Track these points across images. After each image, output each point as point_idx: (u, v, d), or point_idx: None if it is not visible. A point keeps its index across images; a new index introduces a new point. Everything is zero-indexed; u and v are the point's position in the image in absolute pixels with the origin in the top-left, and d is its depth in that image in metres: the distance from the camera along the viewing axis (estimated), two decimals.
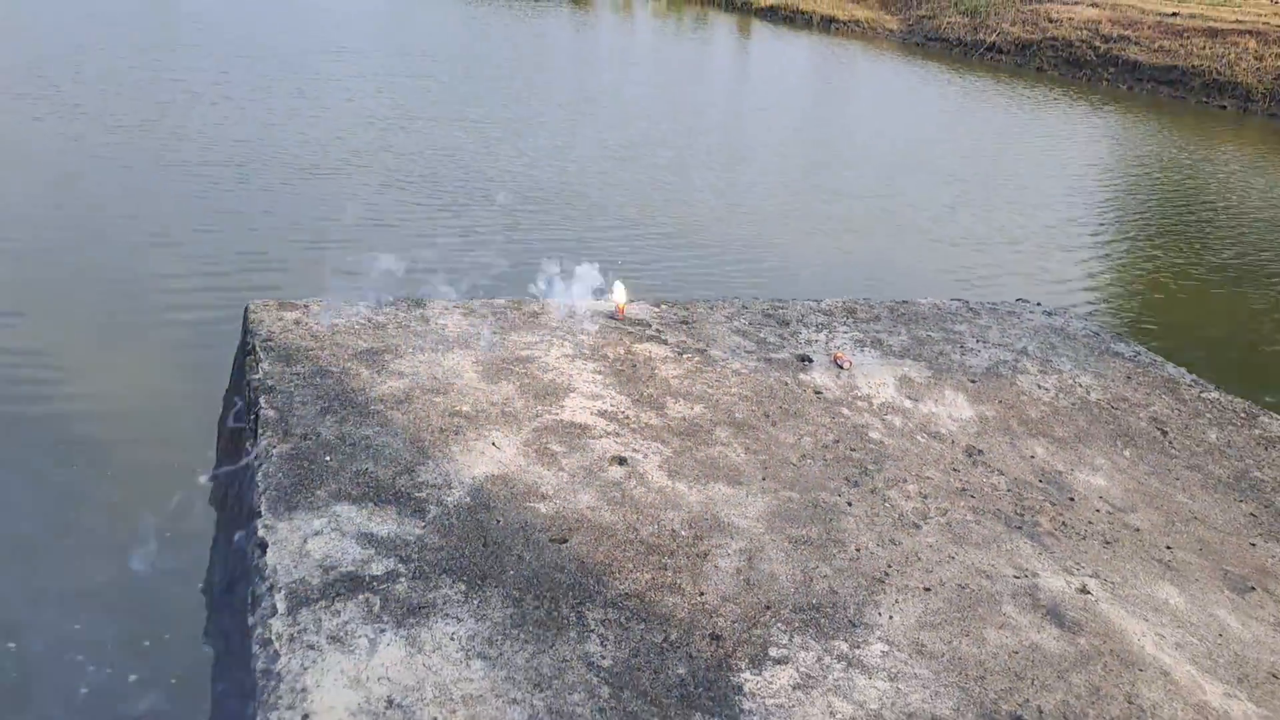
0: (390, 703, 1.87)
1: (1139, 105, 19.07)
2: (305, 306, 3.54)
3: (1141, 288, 8.53)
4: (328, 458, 2.63)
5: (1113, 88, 20.67)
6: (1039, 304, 4.96)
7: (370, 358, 3.31)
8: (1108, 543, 2.84)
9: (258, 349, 3.15)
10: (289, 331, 3.31)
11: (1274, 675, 2.34)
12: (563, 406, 3.17)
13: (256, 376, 2.99)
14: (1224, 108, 19.26)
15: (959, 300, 4.83)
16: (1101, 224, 10.40)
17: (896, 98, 17.63)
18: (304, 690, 1.86)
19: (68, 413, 4.67)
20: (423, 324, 3.65)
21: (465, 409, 3.05)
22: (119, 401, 4.78)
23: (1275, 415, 3.95)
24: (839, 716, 2.01)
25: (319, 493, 2.48)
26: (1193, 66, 20.35)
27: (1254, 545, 2.94)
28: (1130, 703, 2.17)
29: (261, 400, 2.85)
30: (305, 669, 1.91)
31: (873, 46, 23.84)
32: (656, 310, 4.14)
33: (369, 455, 2.71)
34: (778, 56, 22.00)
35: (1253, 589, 2.71)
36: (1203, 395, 4.03)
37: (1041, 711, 2.11)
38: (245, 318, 3.43)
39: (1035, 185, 11.51)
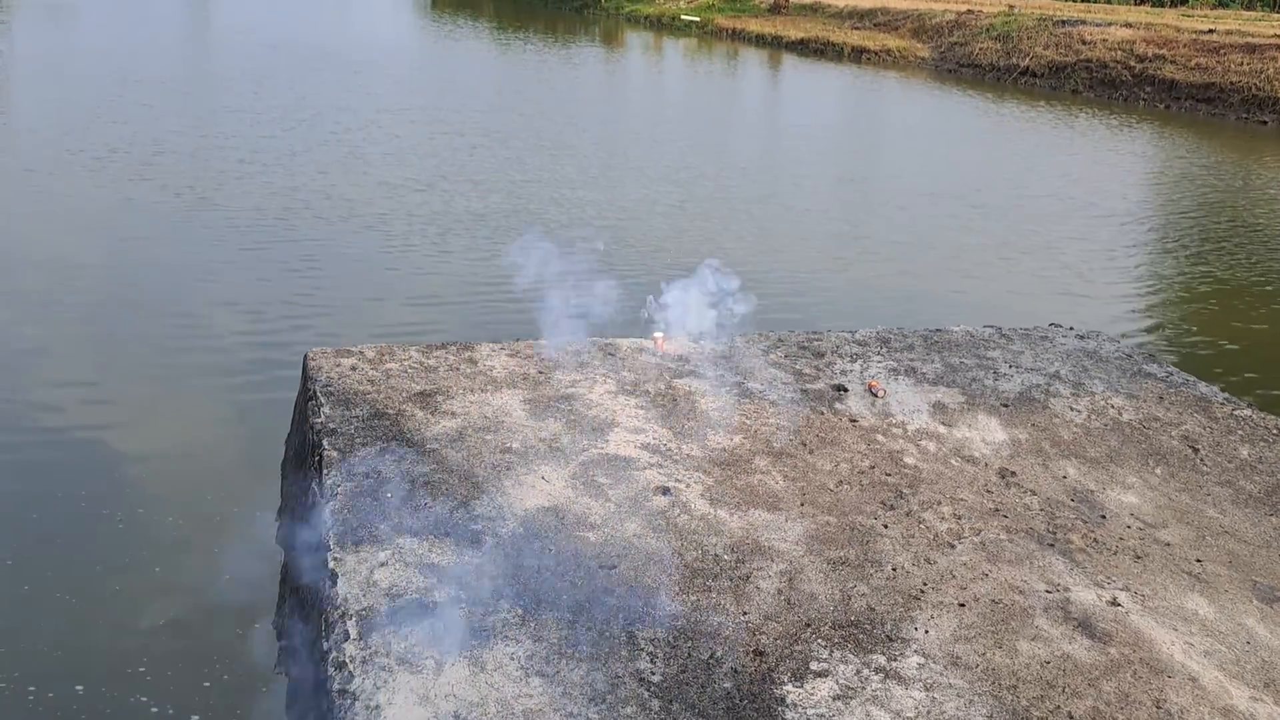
0: (457, 717, 2.02)
1: (1177, 124, 19.01)
2: (360, 352, 3.74)
3: (1182, 307, 8.53)
4: (389, 494, 2.81)
5: (1150, 107, 20.63)
6: (1071, 328, 5.04)
7: (423, 400, 3.49)
8: (1138, 557, 2.92)
9: (318, 394, 3.35)
10: (346, 377, 3.51)
11: None
12: (607, 440, 3.32)
13: (319, 420, 3.18)
14: (1264, 123, 19.12)
15: (992, 327, 4.94)
16: (1140, 244, 10.41)
17: (928, 125, 17.74)
18: (377, 707, 2.02)
19: (133, 456, 4.90)
20: (471, 366, 3.83)
21: (515, 445, 3.22)
22: (183, 447, 5.01)
23: None
24: None
25: (382, 527, 2.65)
26: (1231, 83, 20.26)
27: None
28: (1159, 707, 2.27)
29: (324, 442, 3.04)
30: (378, 688, 2.07)
31: (905, 75, 24.00)
32: (695, 345, 4.29)
33: (427, 491, 2.88)
34: (811, 89, 22.21)
35: None
36: (1235, 413, 4.09)
37: (1072, 717, 2.21)
38: (305, 365, 3.64)
39: (1071, 208, 11.55)
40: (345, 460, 2.97)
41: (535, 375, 3.80)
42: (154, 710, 3.48)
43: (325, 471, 2.90)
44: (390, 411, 3.32)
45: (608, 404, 3.60)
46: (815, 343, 4.46)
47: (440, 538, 2.66)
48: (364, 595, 2.36)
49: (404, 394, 3.50)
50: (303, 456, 3.29)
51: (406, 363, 3.80)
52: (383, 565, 2.48)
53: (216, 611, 3.79)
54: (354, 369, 3.60)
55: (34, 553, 4.17)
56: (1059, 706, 2.24)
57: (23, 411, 5.30)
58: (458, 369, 3.79)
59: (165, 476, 4.80)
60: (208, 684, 3.52)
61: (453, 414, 3.40)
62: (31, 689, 3.58)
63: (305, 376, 3.61)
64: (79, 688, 3.58)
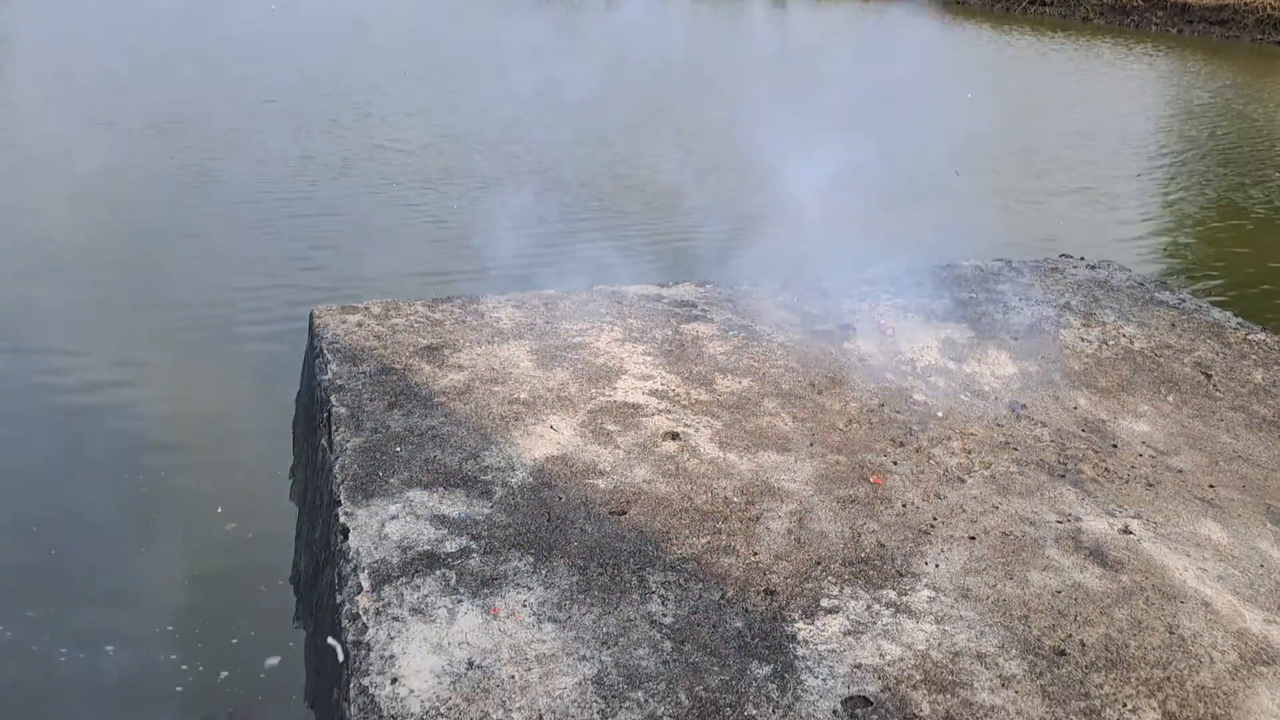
0: (471, 664, 2.04)
1: (1190, 47, 18.65)
2: (366, 309, 3.74)
3: (1197, 235, 8.43)
4: (398, 448, 2.82)
5: (1162, 31, 20.23)
6: (1082, 258, 4.99)
7: (430, 354, 3.49)
8: (1150, 485, 2.91)
9: (325, 351, 3.35)
10: (352, 333, 3.51)
11: None
12: (615, 388, 3.32)
13: (326, 377, 3.19)
14: (1279, 44, 18.74)
15: (1001, 260, 4.89)
16: (1152, 170, 10.26)
17: (935, 59, 17.44)
18: (392, 657, 2.04)
19: (150, 416, 4.93)
20: (477, 319, 3.82)
21: (523, 396, 3.22)
22: (196, 407, 5.04)
23: None
24: (888, 657, 2.13)
25: (392, 480, 2.66)
26: (1245, 4, 19.83)
27: None
28: (1171, 633, 2.27)
29: (332, 399, 3.04)
30: (392, 638, 2.09)
31: (910, 9, 23.56)
32: (701, 291, 4.27)
33: (436, 444, 2.89)
34: (811, 26, 21.85)
35: None
36: (1249, 338, 4.05)
37: (1084, 645, 2.21)
38: (310, 322, 3.63)
39: (1084, 136, 11.38)
40: (353, 416, 2.97)
41: (542, 326, 3.79)
42: (184, 668, 3.53)
43: (334, 428, 2.91)
44: (397, 366, 3.32)
45: (615, 351, 3.59)
46: (823, 283, 4.43)
47: (450, 489, 2.67)
48: (375, 548, 2.37)
49: (410, 348, 3.50)
50: (312, 414, 3.31)
51: (412, 317, 3.79)
52: (393, 518, 2.49)
53: (238, 569, 3.83)
54: (360, 325, 3.60)
55: (55, 516, 4.22)
56: (1071, 635, 2.24)
57: (34, 374, 5.33)
58: (464, 322, 3.78)
59: (181, 438, 4.83)
60: (235, 640, 3.57)
61: (460, 367, 3.40)
62: (63, 650, 3.64)
63: (311, 334, 3.61)
64: (109, 648, 3.63)
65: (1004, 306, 4.22)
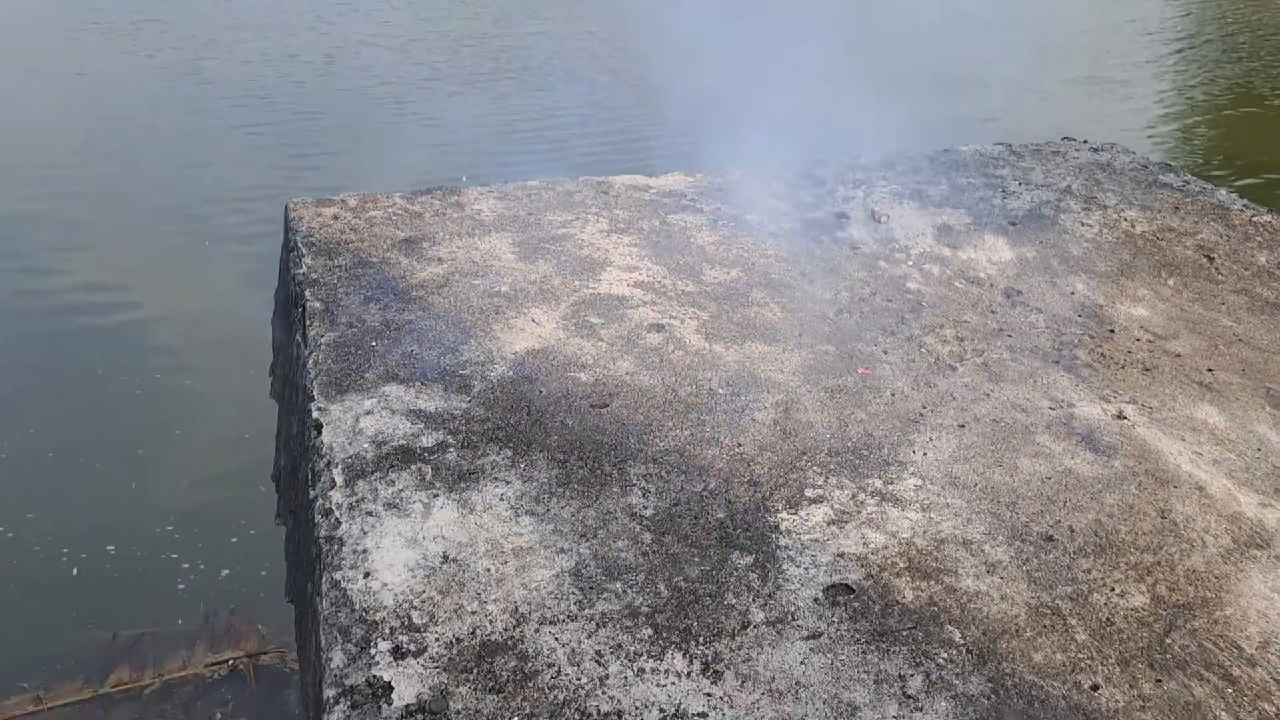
0: (446, 558, 2.00)
1: None
2: (342, 201, 3.62)
3: (1207, 118, 8.21)
4: (374, 343, 2.74)
5: None
6: (1085, 141, 4.84)
7: (408, 246, 3.39)
8: (1147, 370, 2.84)
9: (299, 245, 3.25)
10: (328, 226, 3.40)
11: None
12: (600, 280, 3.23)
13: (300, 271, 3.10)
14: None
15: (1002, 144, 4.74)
16: (1164, 56, 9.96)
17: None
18: (365, 551, 2.00)
19: (137, 323, 4.86)
20: (458, 210, 3.71)
21: (504, 289, 3.13)
22: (182, 311, 4.97)
23: None
24: (871, 545, 2.09)
25: (367, 375, 2.59)
26: None
27: None
28: (1163, 517, 2.22)
29: (307, 293, 2.96)
30: (365, 533, 2.04)
31: None
32: (691, 180, 4.14)
33: (413, 338, 2.81)
34: None
35: None
36: (1254, 219, 3.94)
37: (1073, 530, 2.17)
38: (286, 216, 3.53)
39: (1087, 19, 11.02)
40: (328, 310, 2.89)
41: (525, 217, 3.68)
42: (185, 566, 3.53)
43: (308, 323, 2.83)
44: (374, 260, 3.23)
45: (600, 243, 3.48)
46: (817, 170, 4.30)
47: (427, 384, 2.60)
48: (349, 443, 2.32)
49: (388, 241, 3.40)
50: (288, 309, 3.22)
51: (390, 210, 3.68)
52: (368, 413, 2.43)
53: (237, 470, 3.81)
54: (336, 218, 3.49)
55: (57, 422, 4.18)
56: (1060, 520, 2.20)
57: (20, 276, 5.25)
58: (444, 214, 3.67)
59: (174, 340, 4.77)
60: (235, 539, 3.56)
61: (439, 260, 3.30)
62: (65, 550, 3.64)
63: (287, 228, 3.50)
64: (110, 548, 3.63)
65: (1002, 191, 4.10)
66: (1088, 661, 1.86)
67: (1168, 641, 1.91)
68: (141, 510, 3.82)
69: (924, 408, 2.61)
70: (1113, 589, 2.01)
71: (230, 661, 3.44)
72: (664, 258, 3.41)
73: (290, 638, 3.11)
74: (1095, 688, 1.81)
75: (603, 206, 3.79)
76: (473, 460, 2.31)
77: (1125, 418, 2.59)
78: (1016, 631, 1.92)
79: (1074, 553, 2.10)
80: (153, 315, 4.97)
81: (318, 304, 2.91)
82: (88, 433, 4.14)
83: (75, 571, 3.63)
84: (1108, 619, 1.93)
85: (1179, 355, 2.93)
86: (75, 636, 3.36)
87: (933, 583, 2.00)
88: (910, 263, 3.45)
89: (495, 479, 2.25)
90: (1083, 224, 3.81)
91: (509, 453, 2.35)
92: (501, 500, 2.18)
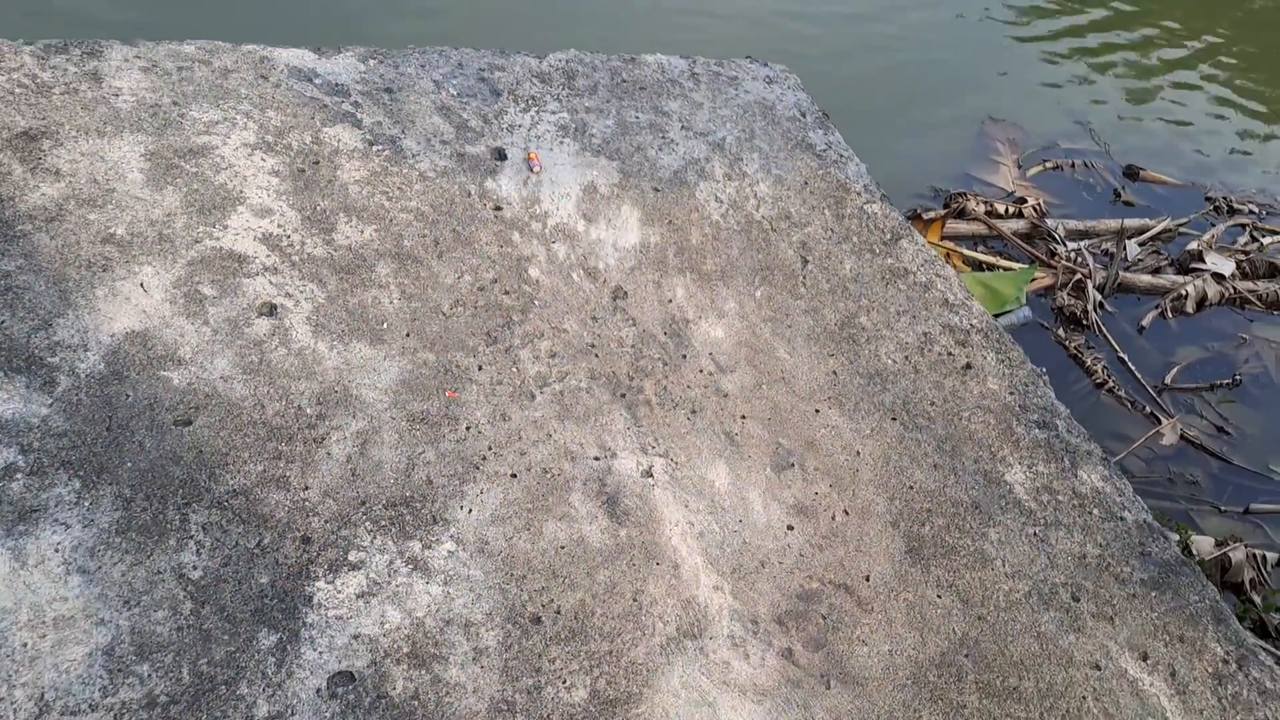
0: None
1: None
2: None
3: None
4: None
5: None
6: (765, 64, 5.02)
7: (26, 145, 3.22)
8: (694, 413, 3.35)
9: None
10: None
11: (762, 565, 3.00)
12: (226, 227, 3.25)
13: None
14: None
15: (687, 59, 4.85)
16: None
17: None
18: None
19: None
20: (94, 87, 3.49)
21: (120, 232, 3.10)
22: None
23: (916, 239, 4.40)
24: (387, 626, 2.53)
25: None
26: None
27: (817, 412, 3.52)
28: (635, 600, 2.80)
29: None
30: None
31: None
32: (363, 68, 4.04)
33: (6, 303, 2.80)
34: None
35: (791, 465, 3.32)
36: (864, 207, 4.36)
37: (559, 612, 2.70)
38: None
39: None
40: None
41: (168, 109, 3.54)
42: None
43: None
44: None
45: (241, 165, 3.45)
46: (498, 73, 4.30)
47: (12, 375, 2.67)
48: None
49: (4, 133, 3.20)
50: None
51: (16, 75, 3.41)
52: None
53: None
54: None
55: None
56: (552, 600, 2.72)
57: None
58: (76, 92, 3.45)
59: None
60: None
61: (58, 174, 3.18)
62: None
63: None
64: None
65: (662, 137, 4.31)
66: None
67: None
68: None
69: (490, 448, 2.99)
70: (564, 681, 2.58)
71: None
72: (302, 197, 3.45)
73: None
74: None
75: (258, 101, 3.69)
76: (39, 493, 2.48)
77: (651, 475, 3.10)
78: None
79: (550, 639, 2.64)
80: None
81: None
82: None
83: None
84: (547, 716, 2.51)
85: (726, 395, 3.45)
86: None
87: (424, 671, 2.48)
88: (543, 238, 3.69)
89: (57, 520, 2.45)
90: (716, 199, 4.15)
91: (78, 484, 2.53)
92: (57, 552, 2.40)
